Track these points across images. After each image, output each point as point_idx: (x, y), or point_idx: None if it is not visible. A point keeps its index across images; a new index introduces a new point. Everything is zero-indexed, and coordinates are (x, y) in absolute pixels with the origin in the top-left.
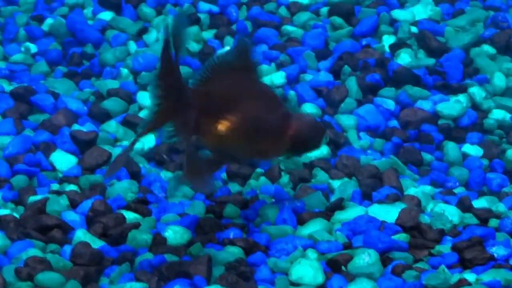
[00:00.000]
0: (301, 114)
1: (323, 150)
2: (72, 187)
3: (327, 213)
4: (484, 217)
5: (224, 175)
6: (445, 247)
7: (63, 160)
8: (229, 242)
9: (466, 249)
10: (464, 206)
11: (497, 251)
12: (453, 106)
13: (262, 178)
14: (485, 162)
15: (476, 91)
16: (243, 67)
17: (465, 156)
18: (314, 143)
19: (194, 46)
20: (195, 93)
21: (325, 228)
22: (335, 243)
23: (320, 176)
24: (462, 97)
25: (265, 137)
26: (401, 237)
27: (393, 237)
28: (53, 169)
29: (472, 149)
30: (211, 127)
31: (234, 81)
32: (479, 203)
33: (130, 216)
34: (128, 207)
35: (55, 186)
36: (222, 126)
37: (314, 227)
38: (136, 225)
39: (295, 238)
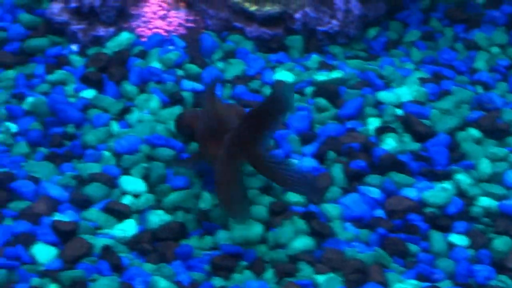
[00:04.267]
0: None
1: (308, 242)
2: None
3: None
4: None
5: (208, 267)
6: None
7: (44, 252)
8: None
9: None
10: None
11: None
12: (438, 193)
13: (247, 272)
14: (472, 252)
15: (462, 178)
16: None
17: (451, 246)
18: None
19: None
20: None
21: None
22: None
23: (305, 270)
24: (447, 184)
25: None
26: None
27: None
28: (34, 262)
29: (459, 239)
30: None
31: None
32: None
33: None
34: None
35: (35, 281)
36: None
37: None
38: None
39: None
